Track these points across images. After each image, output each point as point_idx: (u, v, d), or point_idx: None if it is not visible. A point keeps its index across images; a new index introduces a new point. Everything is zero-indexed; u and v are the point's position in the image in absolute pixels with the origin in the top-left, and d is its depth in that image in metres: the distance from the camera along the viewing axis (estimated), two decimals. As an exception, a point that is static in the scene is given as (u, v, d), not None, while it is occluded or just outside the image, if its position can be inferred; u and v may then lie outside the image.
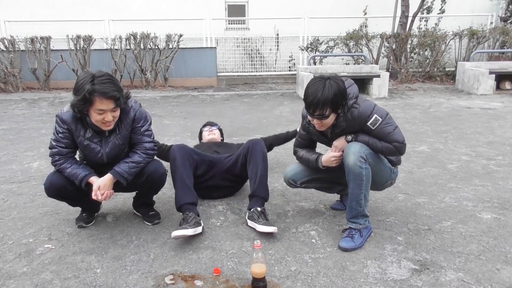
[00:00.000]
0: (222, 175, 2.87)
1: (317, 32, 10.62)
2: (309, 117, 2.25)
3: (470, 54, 9.52)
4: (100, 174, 2.34)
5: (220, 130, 3.66)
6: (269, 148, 3.45)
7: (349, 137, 2.25)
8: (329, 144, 2.41)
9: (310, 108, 2.14)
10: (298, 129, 2.69)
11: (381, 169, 2.30)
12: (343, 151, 2.27)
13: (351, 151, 2.17)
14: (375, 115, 2.17)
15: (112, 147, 2.34)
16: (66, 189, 2.33)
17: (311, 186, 2.61)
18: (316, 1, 11.63)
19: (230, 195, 3.00)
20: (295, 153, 2.57)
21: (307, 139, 2.51)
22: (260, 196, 2.55)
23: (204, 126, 3.68)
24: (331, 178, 2.55)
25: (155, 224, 2.57)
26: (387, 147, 2.19)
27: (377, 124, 2.16)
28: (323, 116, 2.13)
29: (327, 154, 2.35)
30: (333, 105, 2.11)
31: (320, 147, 2.53)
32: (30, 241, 2.38)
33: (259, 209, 2.48)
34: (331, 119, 2.19)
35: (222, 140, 3.62)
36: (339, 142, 2.30)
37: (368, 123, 2.17)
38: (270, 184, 3.22)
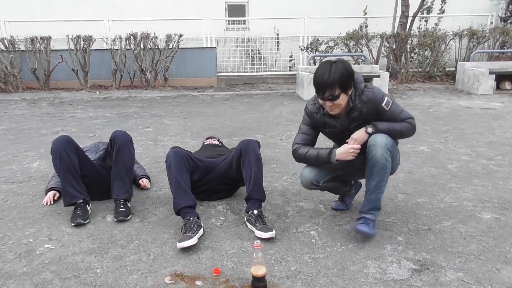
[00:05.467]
0: (219, 180, 2.86)
1: (317, 32, 10.63)
2: (320, 101, 2.26)
3: (470, 54, 9.52)
4: None
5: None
6: None
7: (370, 129, 2.26)
8: (343, 134, 2.37)
9: (320, 90, 2.19)
10: None
11: (395, 154, 2.35)
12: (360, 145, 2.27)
13: (378, 144, 2.20)
14: (386, 97, 2.29)
15: None
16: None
17: (329, 186, 2.54)
18: (316, 1, 11.63)
19: (228, 197, 2.99)
20: (296, 150, 2.47)
21: (312, 134, 2.47)
22: (256, 198, 2.53)
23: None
24: (344, 177, 2.55)
25: (122, 211, 2.63)
26: (406, 127, 2.28)
27: (390, 105, 2.27)
28: (333, 96, 2.18)
29: (345, 147, 2.30)
30: (341, 84, 2.16)
31: (321, 145, 2.52)
32: (30, 241, 2.38)
33: (255, 212, 2.47)
34: (343, 99, 2.21)
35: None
36: (359, 135, 2.28)
37: (383, 104, 2.26)
38: (270, 184, 3.22)
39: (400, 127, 2.28)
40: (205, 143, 3.61)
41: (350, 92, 2.24)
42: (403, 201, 2.86)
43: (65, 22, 10.44)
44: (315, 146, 2.49)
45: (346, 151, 2.29)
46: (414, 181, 3.25)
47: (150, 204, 2.90)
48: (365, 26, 11.48)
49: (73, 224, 2.55)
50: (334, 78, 2.15)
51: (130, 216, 2.66)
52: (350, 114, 2.31)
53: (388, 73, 8.26)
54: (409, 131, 2.31)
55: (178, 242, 2.21)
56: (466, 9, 11.79)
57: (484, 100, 7.28)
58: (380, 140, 2.21)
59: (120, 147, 2.74)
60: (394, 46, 9.96)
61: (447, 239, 2.31)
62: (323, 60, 2.32)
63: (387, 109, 2.27)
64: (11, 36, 9.35)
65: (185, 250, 2.23)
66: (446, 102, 7.19)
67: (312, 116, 2.43)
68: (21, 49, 9.38)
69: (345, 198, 2.75)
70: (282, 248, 2.25)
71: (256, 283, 1.86)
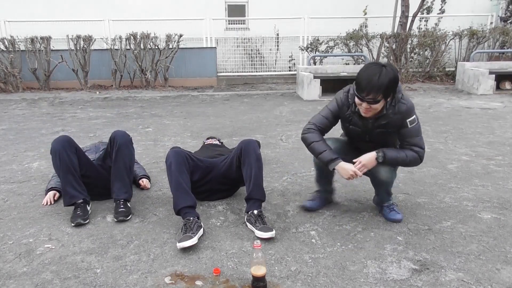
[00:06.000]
0: (219, 180, 2.85)
1: (317, 32, 10.63)
2: (357, 101, 2.25)
3: (470, 54, 9.52)
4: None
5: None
6: None
7: (380, 158, 2.30)
8: (363, 136, 2.43)
9: (364, 90, 2.16)
10: None
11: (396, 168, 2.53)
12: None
13: (384, 173, 2.38)
14: (414, 115, 2.32)
15: None
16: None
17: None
18: (316, 1, 11.63)
19: (228, 197, 2.99)
20: (308, 131, 2.42)
21: (331, 120, 2.45)
22: (256, 198, 2.53)
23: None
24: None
25: (122, 210, 2.63)
26: (413, 157, 2.33)
27: (414, 124, 2.31)
28: (374, 100, 2.17)
29: (349, 166, 2.33)
30: (386, 91, 2.16)
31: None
32: (30, 241, 2.38)
33: (255, 212, 2.47)
34: (380, 105, 2.22)
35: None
36: (369, 162, 2.31)
37: (408, 120, 2.29)
38: (270, 184, 3.22)
39: (407, 157, 2.33)
40: (205, 143, 3.62)
41: (388, 99, 2.24)
42: (403, 201, 2.86)
43: (65, 22, 10.44)
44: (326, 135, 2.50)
45: (348, 171, 2.32)
46: (414, 181, 3.25)
47: (150, 204, 2.90)
48: (365, 26, 11.47)
49: (73, 224, 2.55)
50: (382, 83, 2.12)
51: (130, 216, 2.66)
52: (379, 120, 2.32)
53: (388, 73, 8.25)
54: (415, 162, 2.36)
55: (178, 242, 2.21)
56: (466, 9, 11.79)
57: (484, 100, 7.28)
58: (384, 169, 2.37)
59: (120, 147, 2.74)
60: (394, 46, 9.96)
61: (447, 239, 2.31)
62: (371, 61, 2.36)
63: (409, 126, 2.30)
64: (11, 36, 9.35)
65: (185, 250, 2.23)
66: (446, 102, 7.19)
67: (342, 108, 2.40)
68: (21, 49, 9.39)
69: (320, 197, 2.74)
70: (282, 248, 2.25)
71: (256, 283, 1.86)
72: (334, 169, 2.37)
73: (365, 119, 2.35)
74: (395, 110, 2.27)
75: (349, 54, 10.39)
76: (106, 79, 9.88)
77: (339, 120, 2.50)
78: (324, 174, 2.64)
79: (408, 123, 2.29)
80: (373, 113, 2.27)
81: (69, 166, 2.64)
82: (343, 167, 2.33)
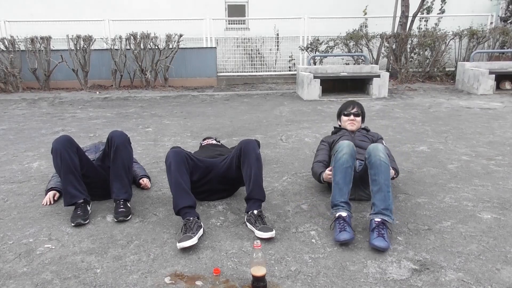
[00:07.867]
0: (219, 180, 2.85)
1: (317, 32, 10.63)
2: (344, 118, 3.19)
3: (470, 54, 9.52)
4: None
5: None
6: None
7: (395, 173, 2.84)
8: (351, 138, 3.09)
9: (350, 106, 3.20)
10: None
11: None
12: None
13: (380, 150, 2.47)
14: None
15: None
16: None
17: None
18: (316, 1, 11.64)
19: (228, 197, 2.99)
20: (313, 166, 3.01)
21: (328, 152, 3.07)
22: (256, 198, 2.53)
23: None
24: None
25: (122, 209, 2.64)
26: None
27: (384, 144, 2.98)
28: (358, 114, 3.17)
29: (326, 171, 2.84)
30: (362, 111, 3.23)
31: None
32: (30, 241, 2.38)
33: (255, 212, 2.47)
34: (360, 120, 3.19)
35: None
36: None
37: (383, 141, 3.12)
38: (270, 184, 3.23)
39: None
40: (203, 144, 3.61)
41: (363, 121, 3.25)
42: (403, 201, 2.87)
43: (65, 22, 10.44)
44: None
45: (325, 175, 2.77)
46: (414, 181, 3.26)
47: (150, 204, 2.90)
48: (365, 26, 11.48)
49: (73, 224, 2.55)
50: (360, 104, 3.26)
51: (130, 216, 2.66)
52: (359, 130, 3.19)
53: (388, 73, 8.25)
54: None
55: (178, 242, 2.21)
56: (466, 9, 11.79)
57: (484, 100, 7.28)
58: (381, 147, 2.53)
59: (117, 147, 2.73)
60: (394, 46, 9.96)
61: (447, 239, 2.31)
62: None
63: (384, 145, 2.88)
64: (11, 36, 9.35)
65: (185, 250, 2.23)
66: (446, 102, 7.19)
67: (328, 140, 3.15)
68: (21, 49, 9.39)
69: (345, 221, 2.37)
70: (282, 248, 2.26)
71: (256, 283, 1.86)
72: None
73: (350, 133, 3.14)
74: (368, 130, 3.22)
75: (349, 54, 10.40)
76: (106, 79, 9.88)
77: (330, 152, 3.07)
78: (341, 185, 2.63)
79: (382, 142, 3.08)
80: (357, 127, 3.17)
81: (70, 166, 2.64)
82: (326, 173, 2.77)
